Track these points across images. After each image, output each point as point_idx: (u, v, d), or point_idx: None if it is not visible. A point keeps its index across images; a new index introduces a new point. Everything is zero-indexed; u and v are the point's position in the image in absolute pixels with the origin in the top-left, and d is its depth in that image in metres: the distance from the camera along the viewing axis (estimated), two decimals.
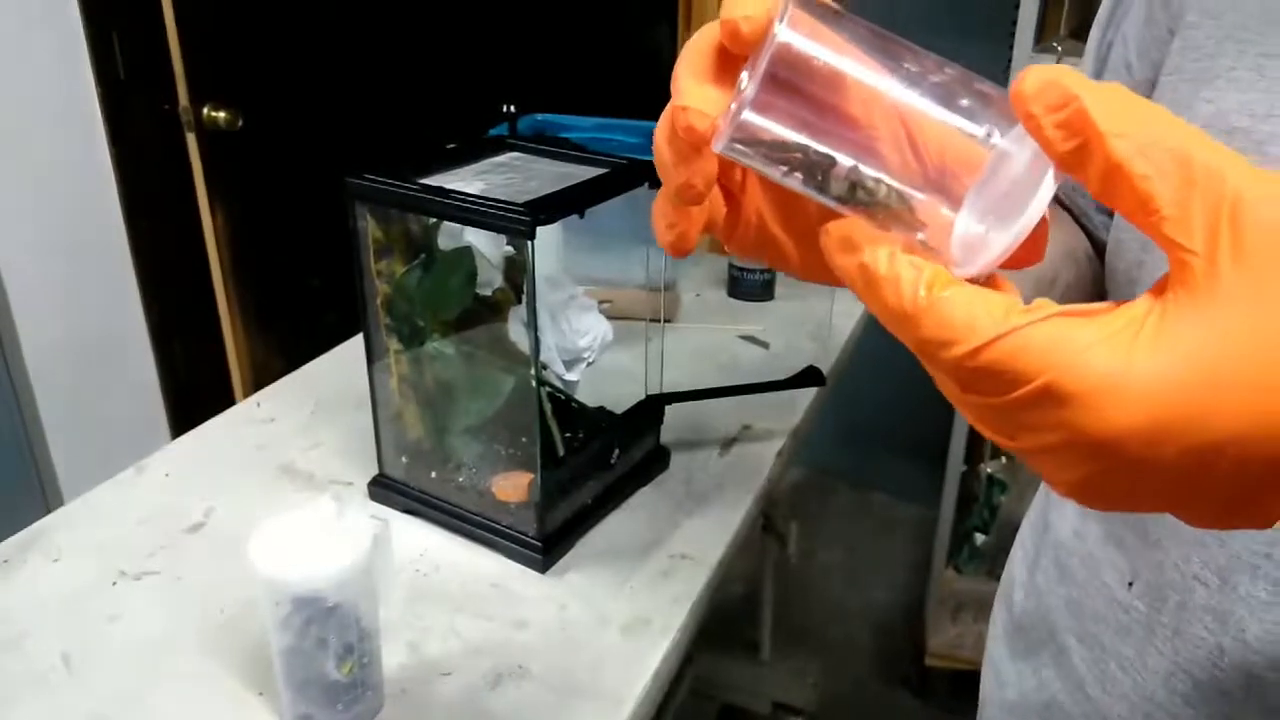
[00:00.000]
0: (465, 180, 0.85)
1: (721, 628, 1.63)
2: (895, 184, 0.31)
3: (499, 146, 0.96)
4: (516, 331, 0.88)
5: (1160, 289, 0.28)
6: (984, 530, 2.07)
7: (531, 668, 0.77)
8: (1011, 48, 1.59)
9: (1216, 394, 0.26)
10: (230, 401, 1.18)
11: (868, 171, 0.31)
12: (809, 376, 1.08)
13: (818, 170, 0.32)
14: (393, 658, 0.77)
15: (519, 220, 0.77)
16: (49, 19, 1.67)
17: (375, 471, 0.98)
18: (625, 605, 0.84)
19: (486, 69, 2.04)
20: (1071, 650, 0.57)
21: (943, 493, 1.98)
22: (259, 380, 1.59)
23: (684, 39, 2.21)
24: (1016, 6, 1.57)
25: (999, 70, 1.69)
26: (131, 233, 1.87)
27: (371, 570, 0.69)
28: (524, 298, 0.84)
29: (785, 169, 0.32)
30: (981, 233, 0.31)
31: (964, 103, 0.31)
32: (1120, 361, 0.27)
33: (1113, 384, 0.27)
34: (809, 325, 1.36)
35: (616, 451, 0.95)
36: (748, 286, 1.45)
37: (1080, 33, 1.66)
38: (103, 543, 0.91)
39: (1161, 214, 0.27)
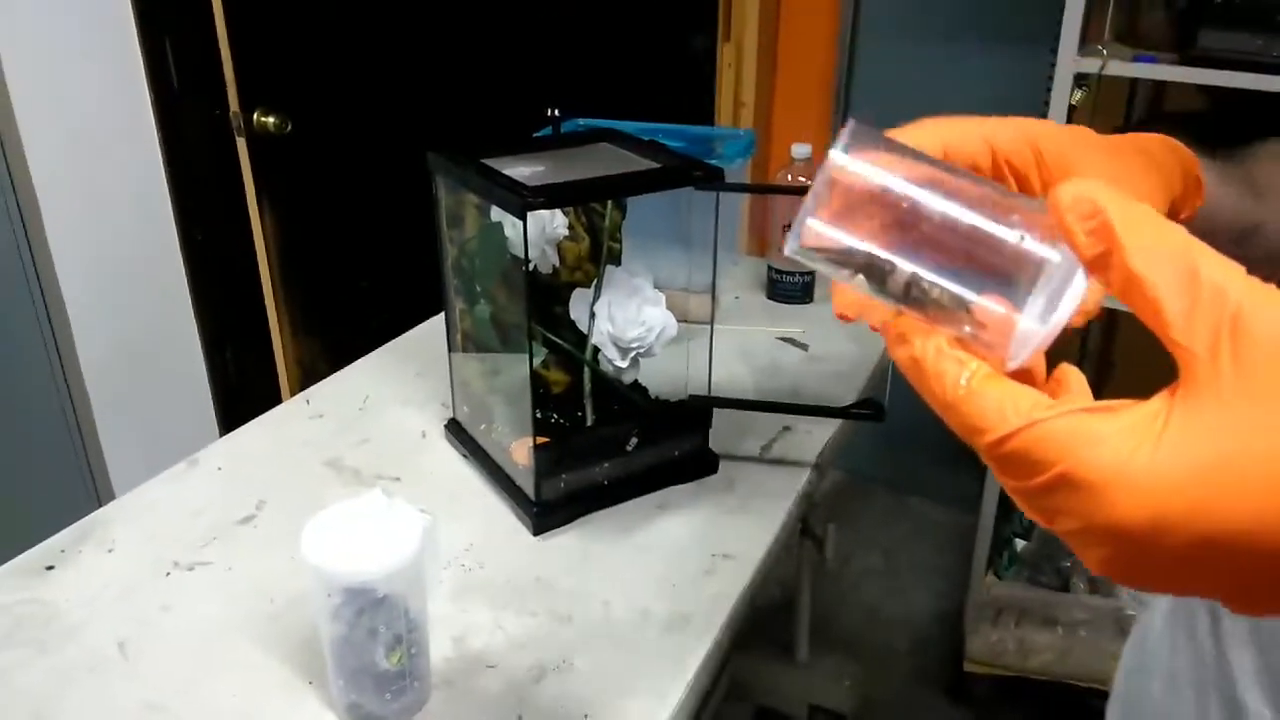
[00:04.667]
0: (526, 164, 0.91)
1: (758, 630, 1.63)
2: (949, 286, 0.35)
3: (598, 136, 1.01)
4: (577, 310, 0.95)
5: (1174, 389, 0.30)
6: (1024, 536, 2.05)
7: (575, 662, 0.78)
8: (1055, 51, 1.58)
9: (1216, 490, 0.29)
10: (278, 404, 1.20)
11: (923, 274, 0.35)
12: (867, 408, 0.99)
13: (877, 273, 0.36)
14: (438, 650, 0.78)
15: (513, 200, 0.82)
16: (105, 28, 1.72)
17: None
18: (667, 602, 0.85)
19: (531, 74, 2.06)
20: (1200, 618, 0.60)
21: (982, 498, 1.97)
22: (306, 383, 1.61)
23: (723, 46, 2.22)
24: (1061, 10, 1.56)
25: (1042, 75, 1.68)
26: (184, 237, 1.91)
27: (420, 563, 0.70)
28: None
29: (849, 271, 0.37)
30: (1035, 328, 0.35)
31: (1001, 214, 0.35)
32: (1128, 455, 0.29)
33: (1120, 475, 0.29)
34: (848, 328, 1.36)
35: (634, 440, 0.96)
36: (787, 289, 1.45)
37: (1125, 36, 1.64)
38: (156, 534, 0.93)
39: (1168, 321, 0.30)
